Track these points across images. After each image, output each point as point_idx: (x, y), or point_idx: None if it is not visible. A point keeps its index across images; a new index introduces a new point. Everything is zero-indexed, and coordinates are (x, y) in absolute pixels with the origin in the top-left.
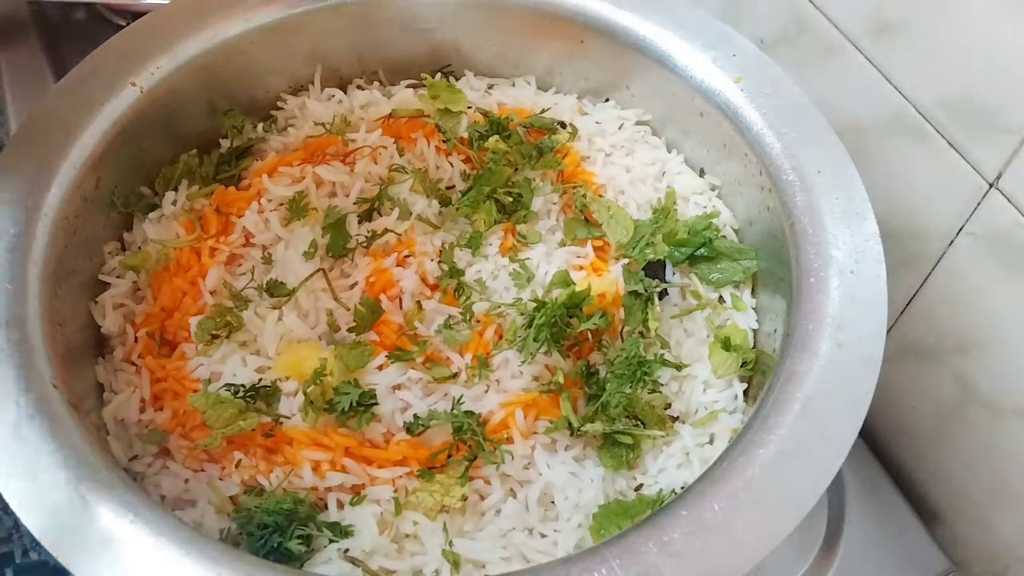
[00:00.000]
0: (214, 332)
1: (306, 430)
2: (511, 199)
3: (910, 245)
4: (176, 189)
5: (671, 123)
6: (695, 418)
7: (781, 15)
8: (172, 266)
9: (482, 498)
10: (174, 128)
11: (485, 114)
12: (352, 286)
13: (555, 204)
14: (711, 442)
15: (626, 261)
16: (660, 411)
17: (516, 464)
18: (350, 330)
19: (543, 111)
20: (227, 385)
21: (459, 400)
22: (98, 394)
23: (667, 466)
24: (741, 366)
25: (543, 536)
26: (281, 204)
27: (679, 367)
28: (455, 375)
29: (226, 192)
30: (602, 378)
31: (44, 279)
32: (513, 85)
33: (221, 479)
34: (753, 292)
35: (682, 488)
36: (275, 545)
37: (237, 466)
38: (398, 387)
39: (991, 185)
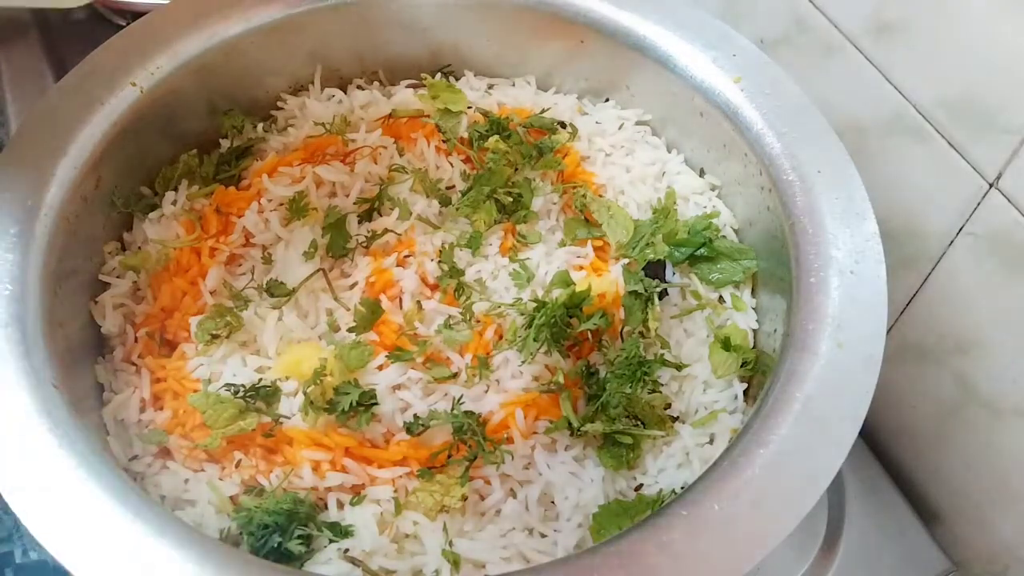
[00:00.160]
0: (214, 332)
1: (306, 430)
2: (511, 199)
3: (910, 245)
4: (176, 189)
5: (671, 123)
6: (695, 418)
7: (781, 15)
8: (172, 266)
9: (482, 498)
10: (174, 128)
11: (485, 114)
12: (352, 286)
13: (555, 204)
14: (711, 442)
15: (626, 261)
16: (660, 411)
17: (516, 464)
18: (350, 330)
19: (543, 111)
20: (227, 385)
21: (459, 400)
22: (98, 394)
23: (667, 466)
24: (741, 366)
25: (543, 536)
26: (281, 204)
27: (679, 367)
28: (455, 375)
29: (226, 192)
30: (602, 378)
31: (44, 279)
32: (513, 85)
33: (221, 479)
34: (753, 292)
35: (682, 488)
36: (275, 545)
37: (237, 466)
38: (398, 387)
39: (991, 185)
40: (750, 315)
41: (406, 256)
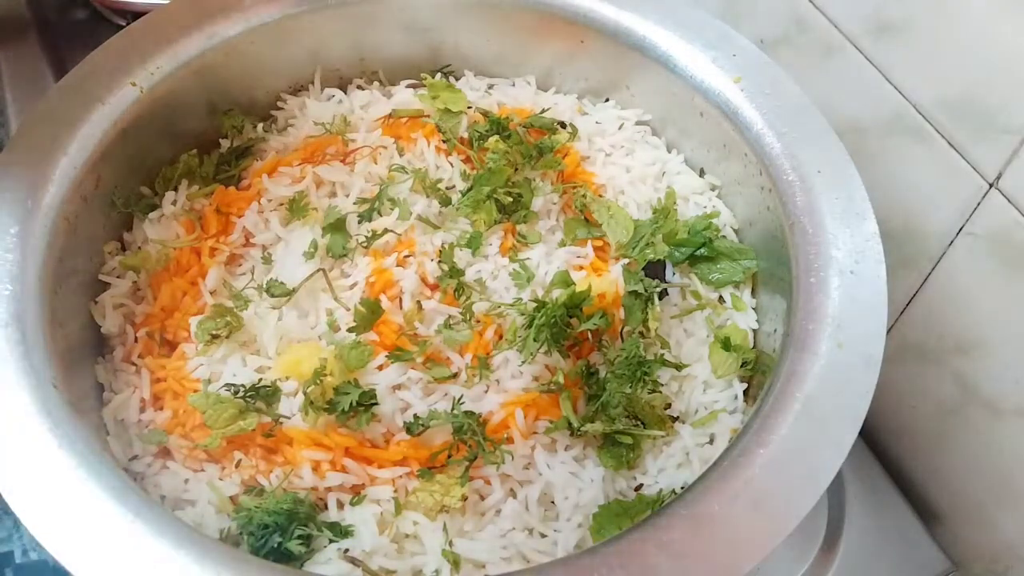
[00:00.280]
0: (214, 332)
1: (306, 430)
2: (511, 199)
3: (910, 245)
4: (176, 189)
5: (671, 123)
6: (695, 418)
7: (781, 15)
8: (172, 266)
9: (482, 498)
10: (174, 128)
11: (485, 114)
12: (352, 286)
13: (555, 204)
14: (711, 442)
15: (626, 261)
16: (660, 411)
17: (516, 464)
18: (350, 330)
19: (543, 111)
20: (227, 385)
21: (459, 400)
22: (98, 394)
23: (667, 466)
24: (741, 366)
25: (543, 536)
26: (281, 204)
27: (679, 367)
28: (455, 375)
29: (226, 192)
30: (602, 378)
31: (44, 279)
32: (513, 85)
33: (221, 479)
34: (753, 292)
35: (682, 488)
36: (275, 545)
37: (237, 466)
38: (398, 387)
39: (991, 185)
40: (750, 315)
41: (406, 256)
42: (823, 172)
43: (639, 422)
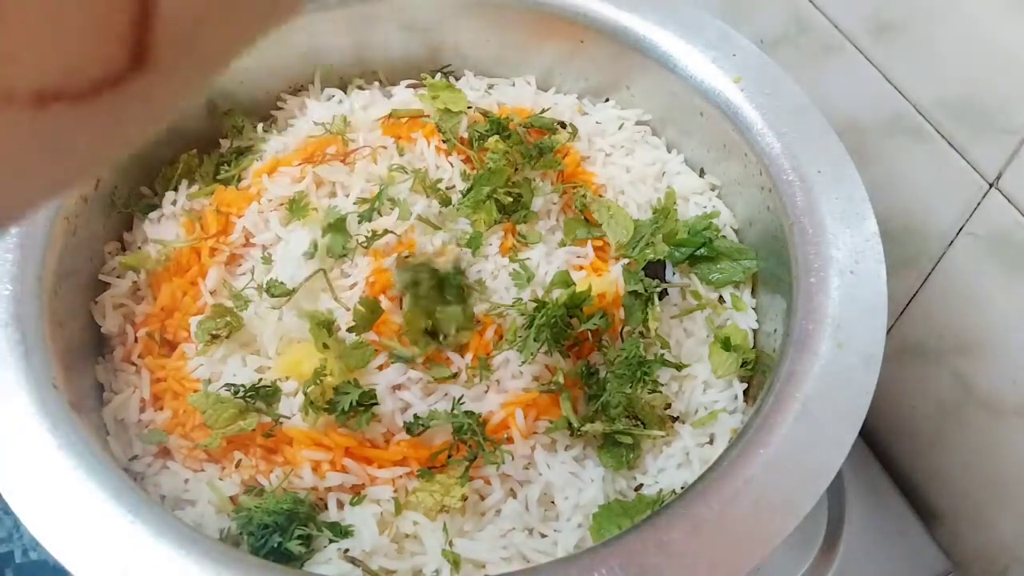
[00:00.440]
0: (214, 332)
1: (306, 430)
2: (511, 199)
3: (910, 245)
4: (176, 189)
5: (671, 123)
6: (695, 418)
7: (781, 15)
8: (172, 266)
9: (482, 498)
10: (174, 128)
11: (485, 114)
12: (352, 286)
13: (555, 204)
14: (711, 442)
15: (626, 261)
16: (660, 411)
17: (516, 464)
18: (350, 330)
19: (543, 111)
20: (227, 385)
21: (459, 400)
22: (98, 394)
23: (667, 466)
24: (741, 366)
25: (543, 536)
26: (281, 204)
27: (679, 367)
28: (455, 375)
29: (226, 192)
30: (602, 378)
31: (44, 279)
32: (513, 85)
33: (221, 479)
34: (753, 292)
35: (682, 488)
36: (275, 545)
37: (237, 466)
38: (398, 387)
39: (991, 185)
40: (750, 315)
41: (406, 257)
42: (823, 172)
43: (639, 422)
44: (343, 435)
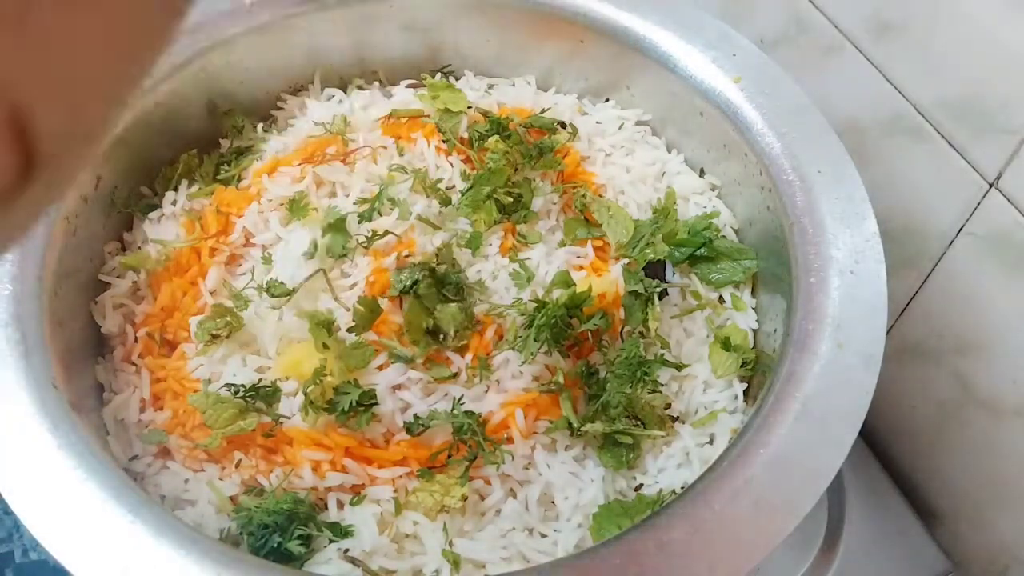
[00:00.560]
0: (214, 332)
1: (306, 430)
2: (511, 199)
3: (910, 245)
4: (176, 189)
5: (671, 123)
6: (695, 418)
7: (781, 15)
8: (172, 266)
9: (482, 498)
10: (174, 128)
11: (485, 114)
12: (352, 286)
13: (555, 204)
14: (711, 442)
15: (626, 261)
16: (660, 411)
17: (516, 464)
18: (349, 330)
19: (543, 111)
20: (227, 385)
21: (459, 400)
22: (98, 394)
23: (667, 466)
24: (741, 366)
25: (543, 536)
26: (281, 204)
27: (679, 367)
28: (455, 375)
29: (226, 192)
30: (602, 378)
31: (44, 279)
32: (513, 85)
33: (221, 479)
34: (753, 292)
35: (682, 488)
36: (275, 545)
37: (237, 466)
38: (398, 387)
39: (991, 185)
40: (750, 315)
41: (406, 256)
42: (823, 172)
43: (639, 422)
44: (343, 435)
